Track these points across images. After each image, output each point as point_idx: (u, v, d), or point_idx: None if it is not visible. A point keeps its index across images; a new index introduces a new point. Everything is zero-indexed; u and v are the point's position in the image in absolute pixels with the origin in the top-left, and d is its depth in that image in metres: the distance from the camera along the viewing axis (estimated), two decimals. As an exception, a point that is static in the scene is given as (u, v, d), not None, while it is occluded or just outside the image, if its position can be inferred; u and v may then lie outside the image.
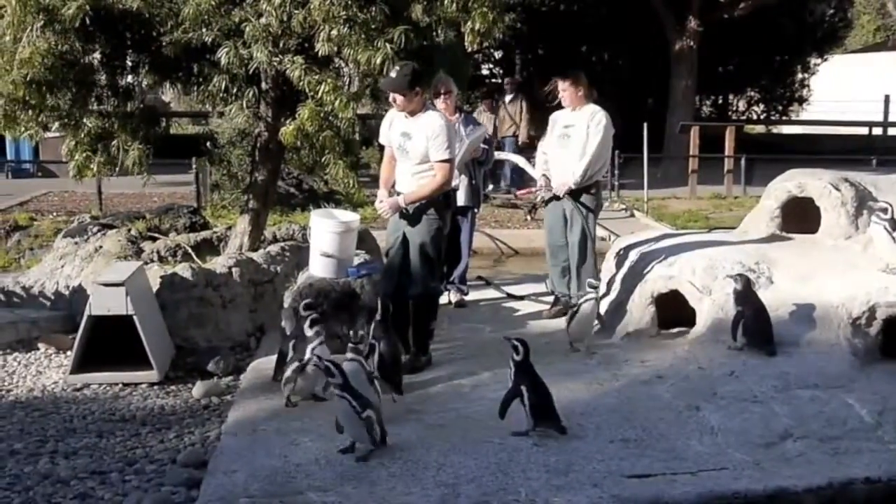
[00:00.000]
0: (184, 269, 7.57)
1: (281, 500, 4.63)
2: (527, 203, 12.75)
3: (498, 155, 12.97)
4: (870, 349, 6.32)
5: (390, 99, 6.62)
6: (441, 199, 6.68)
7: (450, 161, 6.57)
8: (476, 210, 8.63)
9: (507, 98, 17.62)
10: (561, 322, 7.50)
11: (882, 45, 38.50)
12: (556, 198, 7.84)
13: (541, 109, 8.35)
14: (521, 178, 16.93)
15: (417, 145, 6.55)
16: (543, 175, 7.95)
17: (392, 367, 6.05)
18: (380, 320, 6.18)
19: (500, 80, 22.46)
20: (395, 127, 6.72)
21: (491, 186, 15.79)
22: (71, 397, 6.50)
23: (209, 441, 5.66)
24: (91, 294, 6.83)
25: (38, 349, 7.49)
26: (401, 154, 6.69)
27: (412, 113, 6.58)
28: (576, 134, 7.72)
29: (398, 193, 6.69)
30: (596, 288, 7.06)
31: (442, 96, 7.84)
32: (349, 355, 5.49)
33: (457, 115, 8.06)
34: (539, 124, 19.54)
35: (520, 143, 17.05)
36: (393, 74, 6.52)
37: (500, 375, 5.89)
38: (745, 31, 23.20)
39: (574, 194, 7.72)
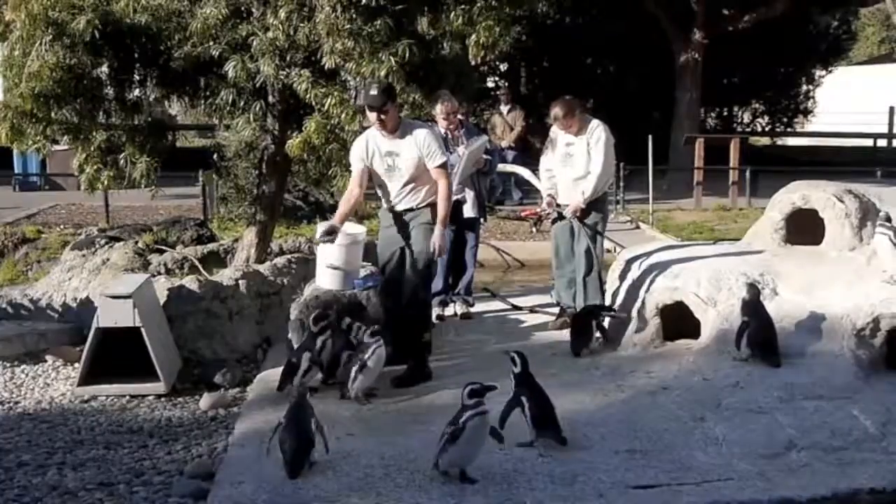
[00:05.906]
0: (191, 282, 7.59)
1: (288, 510, 4.66)
2: (532, 216, 12.73)
3: (504, 167, 12.95)
4: (874, 360, 6.34)
5: (371, 118, 6.52)
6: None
7: (446, 164, 6.62)
8: (482, 221, 8.66)
9: (505, 109, 17.40)
10: (565, 334, 7.51)
11: (887, 57, 38.50)
12: (563, 217, 7.84)
13: (541, 120, 8.35)
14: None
15: (407, 161, 6.56)
16: (549, 195, 7.92)
17: None
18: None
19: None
20: (377, 149, 6.63)
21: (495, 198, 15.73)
22: (79, 409, 6.53)
23: (216, 452, 5.69)
24: (99, 306, 6.85)
25: (45, 361, 7.51)
26: (389, 174, 6.66)
27: (392, 130, 6.56)
28: (577, 152, 7.71)
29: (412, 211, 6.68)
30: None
31: (449, 115, 7.89)
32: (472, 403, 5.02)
33: (461, 129, 8.12)
34: (539, 136, 19.43)
35: (507, 145, 16.45)
36: (373, 92, 6.41)
37: (505, 387, 5.90)
38: (749, 44, 23.19)
39: (582, 210, 7.73)
